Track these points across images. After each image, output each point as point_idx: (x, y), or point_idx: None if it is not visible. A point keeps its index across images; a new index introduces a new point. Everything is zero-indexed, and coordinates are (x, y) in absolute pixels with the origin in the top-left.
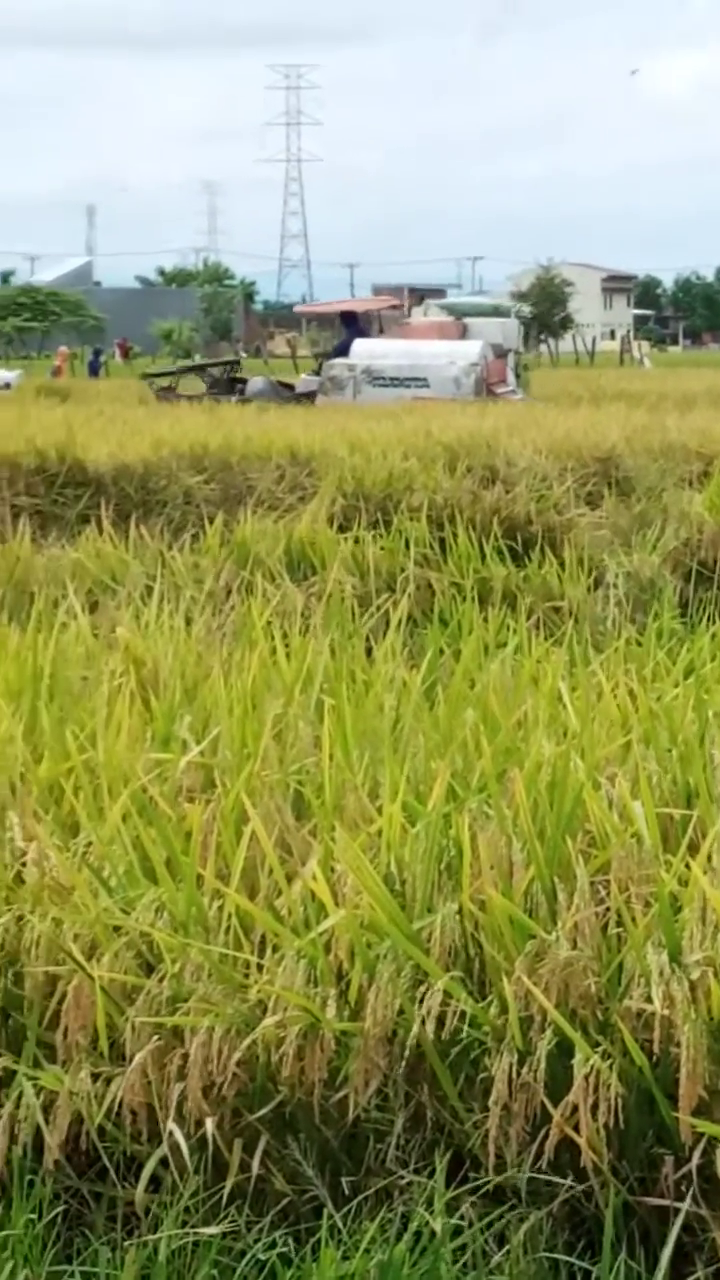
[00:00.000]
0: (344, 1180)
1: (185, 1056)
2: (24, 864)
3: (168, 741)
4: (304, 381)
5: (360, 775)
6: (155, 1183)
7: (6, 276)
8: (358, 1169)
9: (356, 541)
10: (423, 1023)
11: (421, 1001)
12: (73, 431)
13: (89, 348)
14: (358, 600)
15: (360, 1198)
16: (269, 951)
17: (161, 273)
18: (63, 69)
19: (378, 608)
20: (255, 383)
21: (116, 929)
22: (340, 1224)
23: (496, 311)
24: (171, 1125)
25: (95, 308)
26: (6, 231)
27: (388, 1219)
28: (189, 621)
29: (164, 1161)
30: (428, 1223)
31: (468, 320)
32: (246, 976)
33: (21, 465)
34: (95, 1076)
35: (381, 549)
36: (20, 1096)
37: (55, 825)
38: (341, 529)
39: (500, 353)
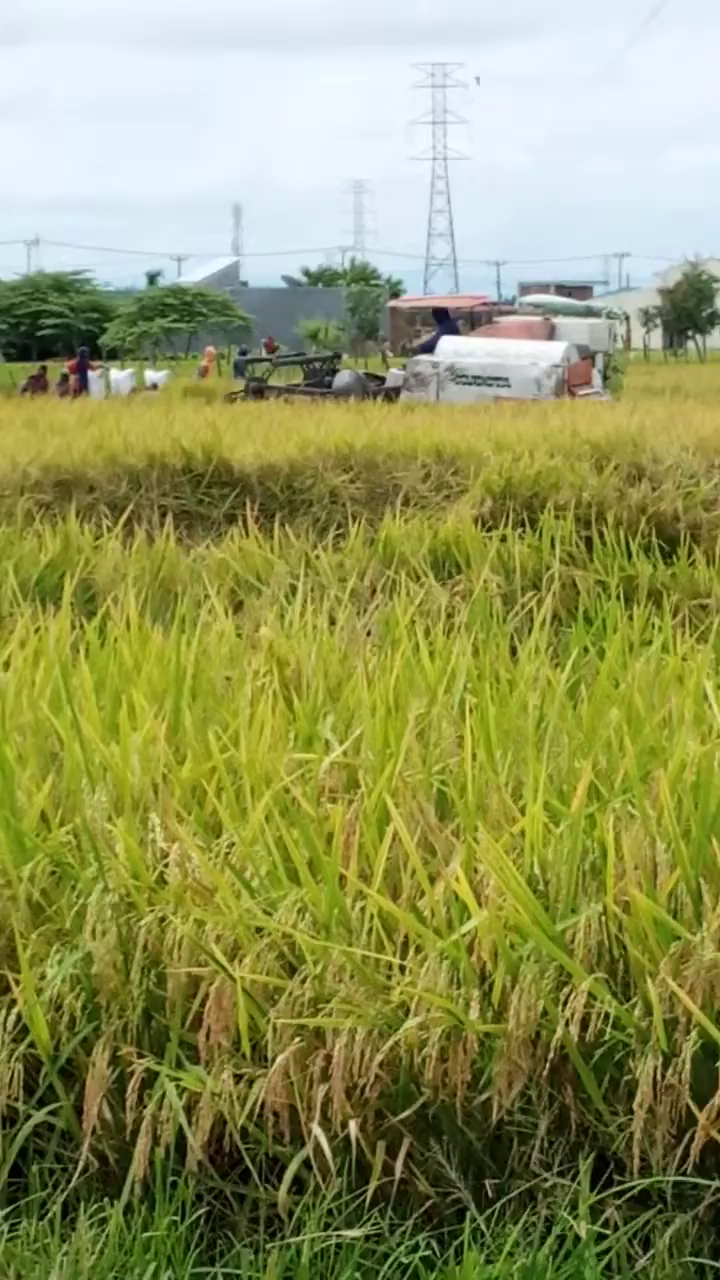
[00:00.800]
0: (487, 1183)
1: (328, 1058)
2: (166, 865)
3: (310, 742)
4: (393, 376)
5: (504, 775)
6: (298, 1184)
7: (154, 277)
8: (501, 1171)
9: (502, 540)
10: (566, 1024)
11: (565, 1003)
12: (219, 431)
13: (236, 348)
14: (502, 599)
15: (504, 1200)
16: (411, 952)
17: (307, 273)
18: (206, 69)
19: (522, 606)
20: (343, 377)
21: (259, 930)
22: (484, 1227)
23: (589, 312)
24: (314, 1127)
25: (242, 308)
26: (154, 232)
27: (531, 1222)
28: (333, 621)
29: (307, 1163)
30: (572, 1226)
31: (556, 321)
32: (389, 978)
33: (168, 465)
34: (238, 1078)
35: (527, 547)
36: (163, 1098)
37: (198, 826)
38: (487, 528)
39: (586, 354)
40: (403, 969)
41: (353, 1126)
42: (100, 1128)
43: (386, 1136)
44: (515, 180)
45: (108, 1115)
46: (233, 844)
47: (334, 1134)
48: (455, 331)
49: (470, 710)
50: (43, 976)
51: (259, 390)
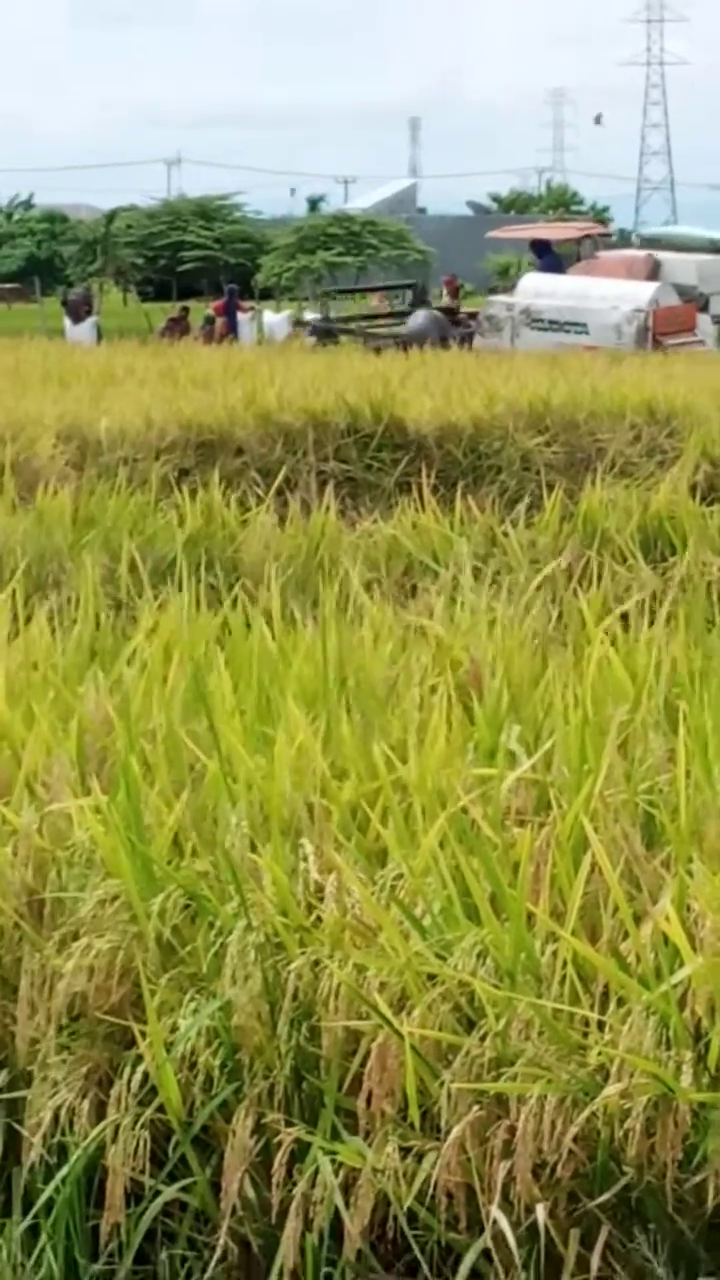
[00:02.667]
0: None
1: (512, 1130)
2: (321, 900)
3: (493, 755)
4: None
5: None
6: (476, 1278)
7: (315, 203)
8: (719, 1267)
9: None
10: None
11: None
12: (391, 386)
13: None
14: None
15: None
16: (612, 1006)
17: (497, 198)
18: None
19: None
20: (416, 317)
21: (431, 977)
22: None
23: (713, 246)
24: (495, 1211)
25: (420, 239)
26: (317, 151)
27: None
28: (524, 611)
29: (486, 1254)
30: None
31: (661, 257)
32: (585, 1035)
33: (331, 425)
34: (404, 1151)
35: None
36: (316, 1174)
37: (359, 854)
38: (707, 500)
39: (691, 296)
40: (601, 1025)
41: (541, 1211)
42: (241, 1207)
43: (581, 1224)
44: None
45: (250, 1193)
46: (400, 875)
47: (518, 1220)
48: (558, 267)
49: (683, 718)
50: (174, 1029)
51: (327, 331)
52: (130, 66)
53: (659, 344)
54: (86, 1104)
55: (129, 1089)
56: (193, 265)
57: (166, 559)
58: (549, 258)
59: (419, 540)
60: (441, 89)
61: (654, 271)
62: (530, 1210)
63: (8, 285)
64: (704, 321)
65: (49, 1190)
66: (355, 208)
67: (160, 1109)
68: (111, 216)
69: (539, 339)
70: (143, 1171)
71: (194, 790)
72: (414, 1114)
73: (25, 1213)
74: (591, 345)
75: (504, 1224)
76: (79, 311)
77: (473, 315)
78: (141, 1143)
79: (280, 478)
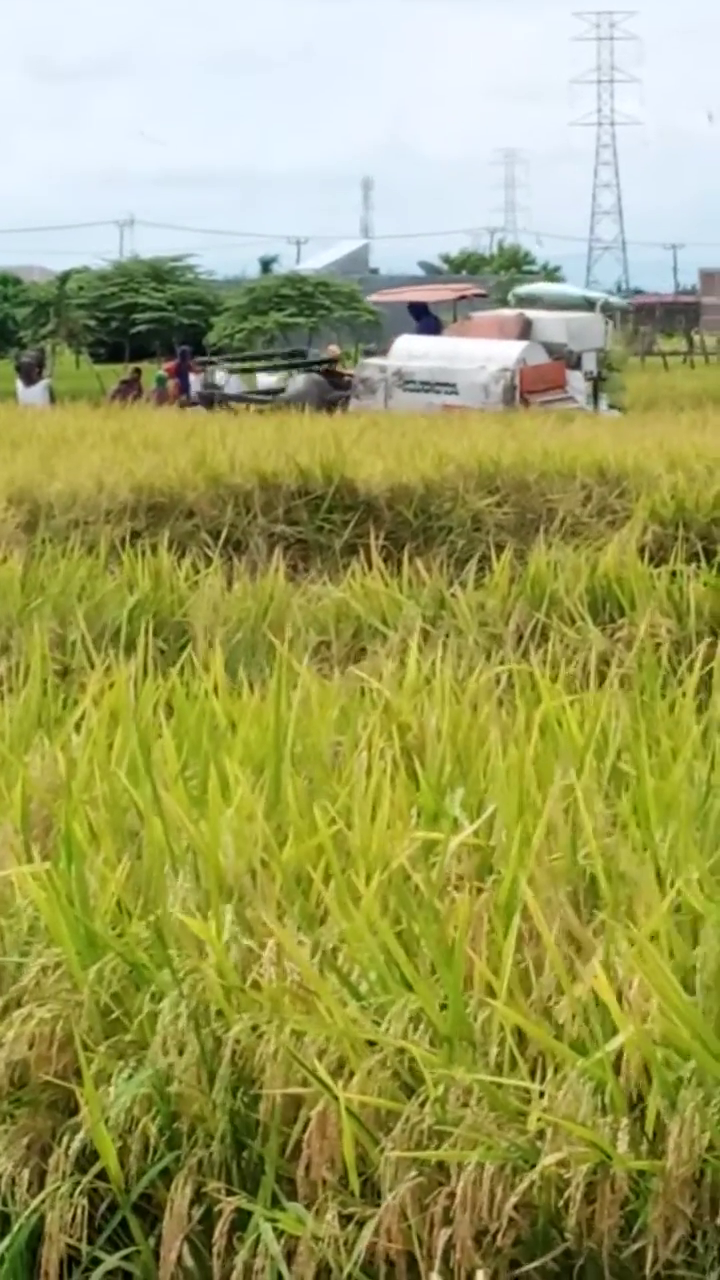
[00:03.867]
0: None
1: (451, 1196)
2: (260, 964)
3: (436, 819)
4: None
5: (664, 860)
6: None
7: (268, 264)
8: None
9: (674, 576)
10: None
11: None
12: (342, 446)
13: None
14: (674, 647)
15: None
16: (549, 1073)
17: (448, 259)
18: (331, 19)
19: (697, 656)
20: (296, 381)
21: (370, 1043)
22: None
23: (586, 303)
24: (435, 1278)
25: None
26: (270, 212)
27: None
28: (470, 673)
29: None
30: None
31: (532, 315)
32: (525, 1102)
33: (281, 486)
34: (345, 1219)
35: (704, 585)
36: (257, 1241)
37: (300, 919)
38: (656, 561)
39: (560, 354)
40: (541, 1092)
41: (481, 1277)
42: (182, 1276)
43: None
44: (696, 148)
45: (191, 1262)
46: (341, 940)
47: None
48: (435, 329)
49: (626, 784)
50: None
51: (209, 399)
52: (80, 127)
53: (526, 402)
54: (27, 1173)
55: (67, 1156)
56: (145, 326)
57: (115, 623)
58: (427, 319)
59: (368, 603)
60: (393, 149)
61: (525, 330)
62: (471, 1276)
63: None
64: (575, 379)
65: None
66: (308, 268)
67: (101, 1177)
68: (65, 278)
69: (411, 400)
70: (83, 1240)
71: (137, 856)
72: (354, 1181)
73: None
74: (460, 405)
75: None
76: (31, 374)
77: (330, 376)
78: (81, 1211)
79: (230, 540)
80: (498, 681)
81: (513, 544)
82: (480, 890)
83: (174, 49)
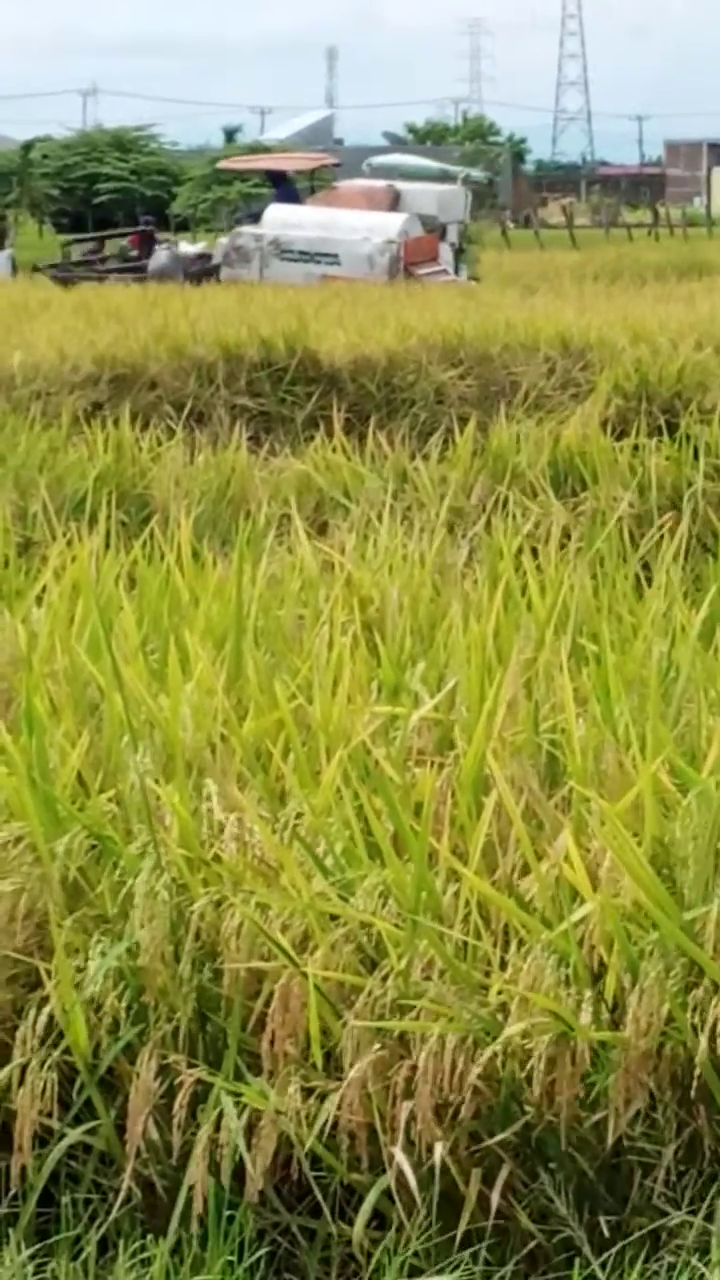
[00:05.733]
0: (603, 1220)
1: (413, 1069)
2: (222, 839)
3: (397, 694)
4: (218, 249)
5: (623, 734)
6: (378, 1219)
7: (232, 134)
8: (620, 1207)
9: (635, 450)
10: (697, 1033)
11: (696, 1008)
12: (305, 318)
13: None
14: (635, 521)
15: (623, 1243)
16: (513, 946)
17: (413, 129)
18: None
19: (658, 529)
20: (159, 256)
21: (333, 917)
22: (598, 1273)
23: (444, 176)
24: (396, 1151)
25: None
26: (233, 81)
27: (654, 1270)
28: (431, 548)
29: (388, 1194)
30: (703, 1274)
31: (401, 187)
32: (487, 975)
33: (244, 358)
34: (307, 1092)
35: (666, 459)
36: (219, 1116)
37: (262, 792)
38: (619, 435)
39: (432, 227)
40: (503, 964)
41: (440, 1150)
42: (145, 1150)
43: (483, 1163)
44: (664, 18)
45: (154, 1135)
46: (301, 814)
47: (420, 1160)
48: (294, 198)
49: (586, 658)
50: (80, 970)
51: (65, 279)
52: None
53: (409, 274)
54: None
55: (34, 1031)
56: (109, 197)
57: (77, 496)
58: (285, 188)
59: (330, 476)
60: (358, 17)
61: (394, 202)
62: (431, 1150)
63: None
64: (444, 250)
65: None
66: (272, 138)
67: (67, 1052)
68: (28, 147)
69: (289, 270)
70: (49, 1114)
71: (98, 730)
72: (316, 1054)
73: None
74: (341, 275)
75: (405, 1164)
76: None
77: (202, 256)
78: (49, 1085)
79: (193, 412)
80: (462, 554)
81: (476, 417)
82: (442, 765)
83: None
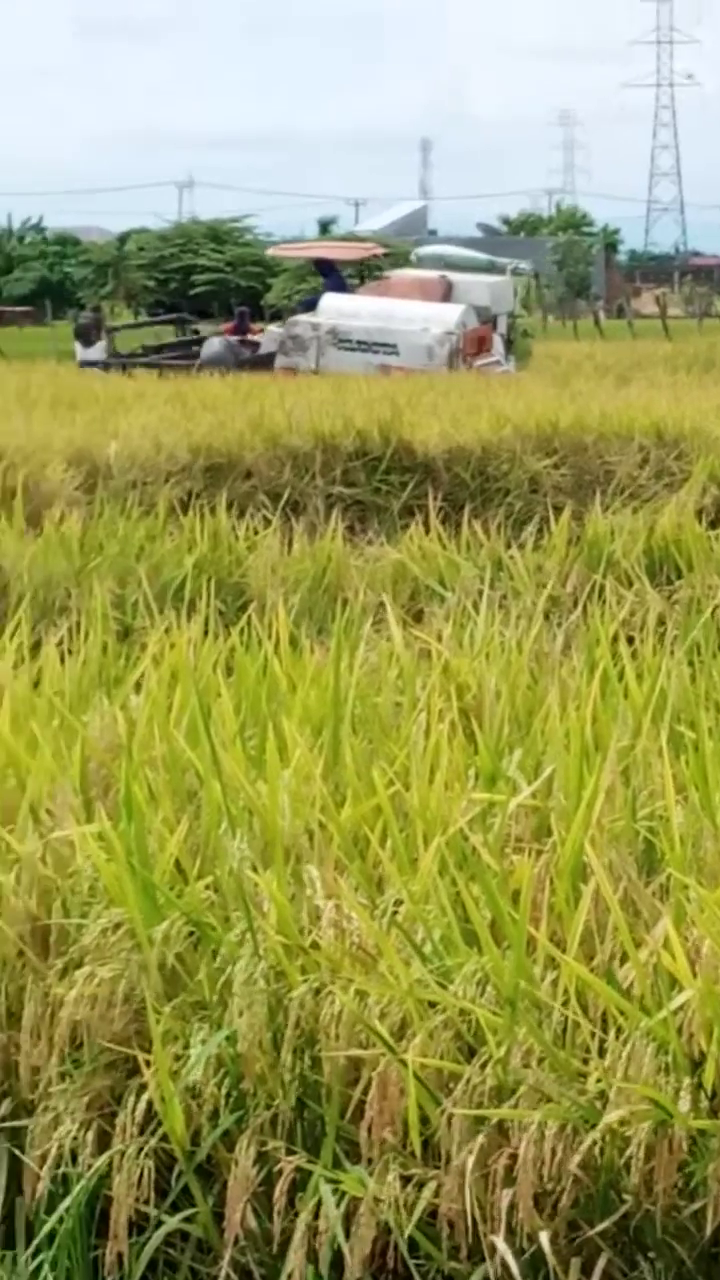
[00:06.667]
0: None
1: (513, 1157)
2: (319, 926)
3: (494, 781)
4: (268, 338)
5: None
6: None
7: (327, 225)
8: None
9: None
10: None
11: None
12: (399, 408)
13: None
14: None
15: None
16: (611, 1033)
17: (507, 220)
18: None
19: None
20: (212, 344)
21: (431, 1005)
22: None
23: (492, 267)
24: (498, 1240)
25: None
26: (328, 173)
27: None
28: (528, 635)
29: None
30: None
31: (453, 278)
32: (585, 1062)
33: (340, 448)
34: (406, 1180)
35: None
36: (318, 1203)
37: (360, 879)
38: (713, 524)
39: (486, 318)
40: (602, 1052)
41: (543, 1239)
42: (243, 1237)
43: (582, 1252)
44: None
45: (252, 1223)
46: (400, 901)
47: (520, 1248)
48: (342, 286)
49: (684, 745)
50: (178, 1057)
51: (118, 366)
52: (140, 89)
53: (468, 364)
54: (90, 1134)
55: (133, 1118)
56: (204, 288)
57: (174, 584)
58: (334, 277)
59: (426, 564)
60: (452, 110)
61: (448, 292)
62: (532, 1238)
63: (19, 308)
64: (496, 341)
65: (52, 1221)
66: (366, 229)
67: (164, 1139)
68: (124, 239)
69: (346, 359)
70: (146, 1201)
71: (196, 817)
72: (415, 1142)
73: (28, 1243)
74: (400, 366)
75: (506, 1252)
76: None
77: (246, 343)
78: (146, 1172)
79: (288, 501)
80: (558, 642)
81: (570, 505)
82: (539, 853)
83: (232, 9)
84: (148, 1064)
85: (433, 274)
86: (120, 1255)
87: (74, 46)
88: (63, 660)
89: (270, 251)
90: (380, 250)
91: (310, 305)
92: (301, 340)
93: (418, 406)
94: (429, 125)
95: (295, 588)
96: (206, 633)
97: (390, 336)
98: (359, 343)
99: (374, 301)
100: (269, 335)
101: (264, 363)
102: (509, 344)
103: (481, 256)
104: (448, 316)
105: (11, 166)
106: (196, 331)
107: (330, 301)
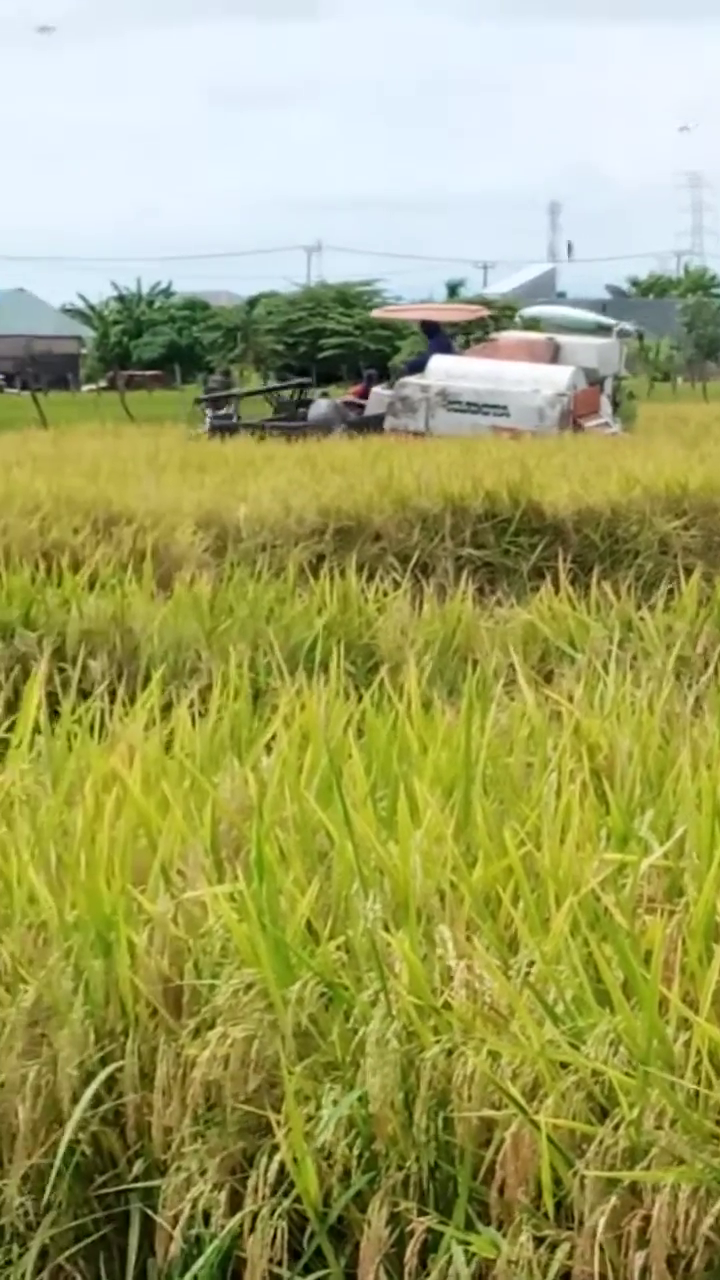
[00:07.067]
0: None
1: (646, 1219)
2: (454, 986)
3: (626, 841)
4: (374, 399)
5: None
6: None
7: (455, 288)
8: None
9: None
10: None
11: None
12: (528, 469)
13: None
14: None
15: None
16: None
17: (635, 282)
18: (519, 44)
19: None
20: (318, 406)
21: (564, 1065)
22: None
23: (598, 328)
24: None
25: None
26: (456, 236)
27: None
28: (659, 696)
29: None
30: None
31: (560, 340)
32: (719, 1124)
33: (469, 510)
34: (538, 1241)
35: None
36: (449, 1264)
37: (491, 939)
38: None
39: (594, 379)
40: None
41: None
42: None
43: None
44: None
45: None
46: (533, 962)
47: None
48: (448, 348)
49: None
50: (310, 1118)
51: (226, 429)
52: (265, 152)
53: (579, 426)
54: (223, 1195)
55: (265, 1179)
56: (333, 351)
57: (304, 645)
58: (439, 339)
59: (555, 625)
60: (580, 172)
61: (555, 354)
62: None
63: (149, 372)
64: (604, 403)
65: None
66: (495, 292)
67: (296, 1200)
68: (253, 303)
69: (456, 421)
70: (278, 1262)
71: (326, 877)
72: (548, 1203)
73: None
74: (511, 427)
75: None
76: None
77: (351, 404)
78: (279, 1233)
79: (417, 563)
80: (690, 703)
81: (701, 567)
82: (671, 913)
83: (362, 78)
84: (279, 1124)
85: (540, 336)
86: None
87: (207, 115)
88: (194, 722)
89: (375, 314)
90: (485, 311)
91: (416, 367)
92: (411, 402)
93: (546, 468)
94: (558, 188)
95: (425, 649)
96: (337, 694)
97: (501, 398)
98: (469, 404)
99: (483, 363)
100: (375, 397)
101: (370, 424)
102: (615, 406)
103: (589, 317)
104: (558, 378)
105: (139, 233)
106: (303, 392)
107: (439, 363)
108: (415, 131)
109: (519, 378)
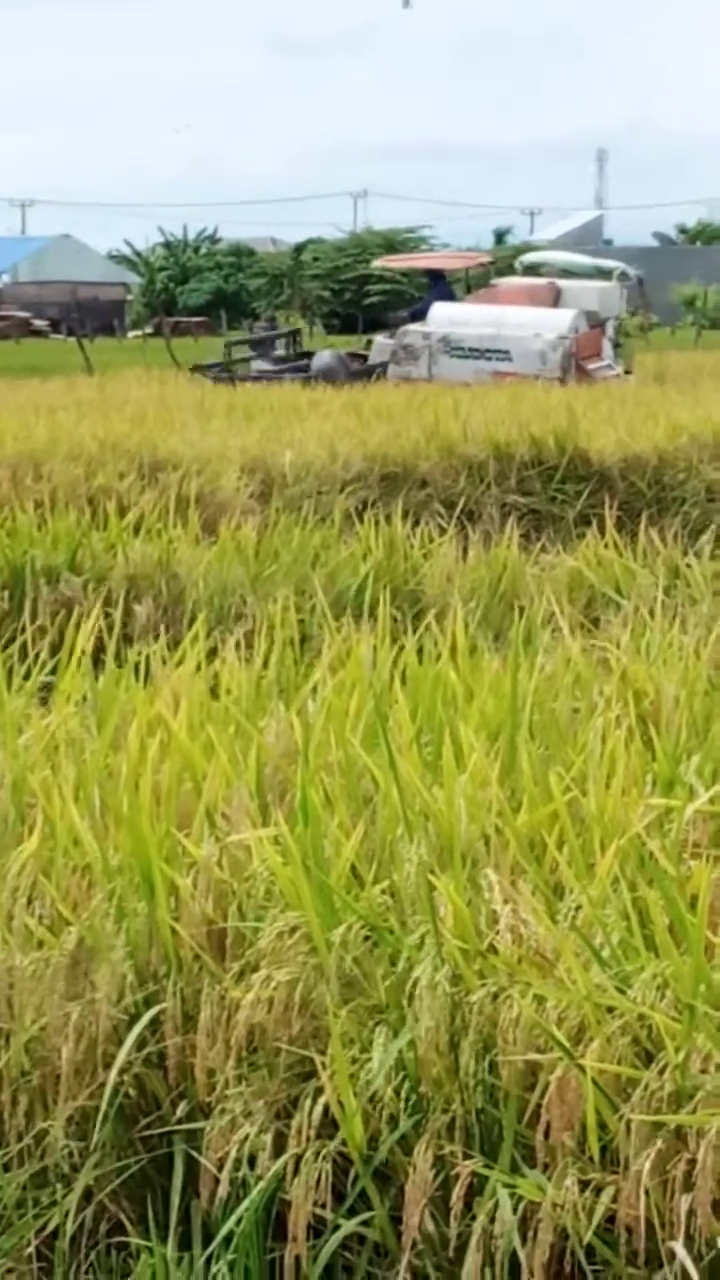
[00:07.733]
0: None
1: (692, 1163)
2: (497, 931)
3: (672, 786)
4: (376, 348)
5: None
6: None
7: (502, 235)
8: None
9: None
10: None
11: None
12: (575, 416)
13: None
14: None
15: None
16: None
17: (684, 229)
18: (571, 3)
19: None
20: (321, 357)
21: (610, 1009)
22: None
23: (598, 272)
24: (676, 1246)
25: None
26: (503, 183)
27: None
28: (706, 642)
29: None
30: None
31: (561, 284)
32: None
33: (515, 457)
34: (583, 1185)
35: None
36: (495, 1208)
37: (537, 884)
38: None
39: (596, 322)
40: None
41: None
42: (420, 1241)
43: None
44: None
45: (430, 1227)
46: (579, 906)
47: (699, 1253)
48: (450, 295)
49: None
50: (354, 1061)
51: (229, 378)
52: (316, 100)
53: (581, 369)
54: (267, 1138)
55: (309, 1122)
56: (379, 298)
57: (350, 591)
58: (442, 286)
59: (602, 572)
60: (633, 120)
61: (556, 298)
62: (711, 1244)
63: (194, 319)
64: (605, 346)
65: (229, 1223)
66: (541, 239)
67: (341, 1142)
68: (299, 250)
69: (458, 367)
70: (323, 1205)
71: (372, 821)
72: (593, 1147)
73: (205, 1245)
74: (513, 372)
75: (685, 1258)
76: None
77: (356, 356)
78: (323, 1176)
79: (464, 510)
80: None
81: None
82: (717, 858)
83: (412, 28)
84: (324, 1067)
85: (540, 280)
86: (298, 1258)
87: (257, 63)
88: (239, 666)
89: (377, 263)
90: (486, 259)
91: (418, 315)
92: (413, 349)
93: (593, 415)
94: (607, 137)
95: (471, 595)
96: (382, 639)
97: (502, 343)
98: (471, 350)
99: (484, 309)
100: (378, 346)
101: (373, 373)
102: (616, 347)
103: (589, 261)
104: (560, 321)
105: (186, 180)
106: (300, 343)
107: (440, 310)
108: (464, 82)
109: (520, 322)
